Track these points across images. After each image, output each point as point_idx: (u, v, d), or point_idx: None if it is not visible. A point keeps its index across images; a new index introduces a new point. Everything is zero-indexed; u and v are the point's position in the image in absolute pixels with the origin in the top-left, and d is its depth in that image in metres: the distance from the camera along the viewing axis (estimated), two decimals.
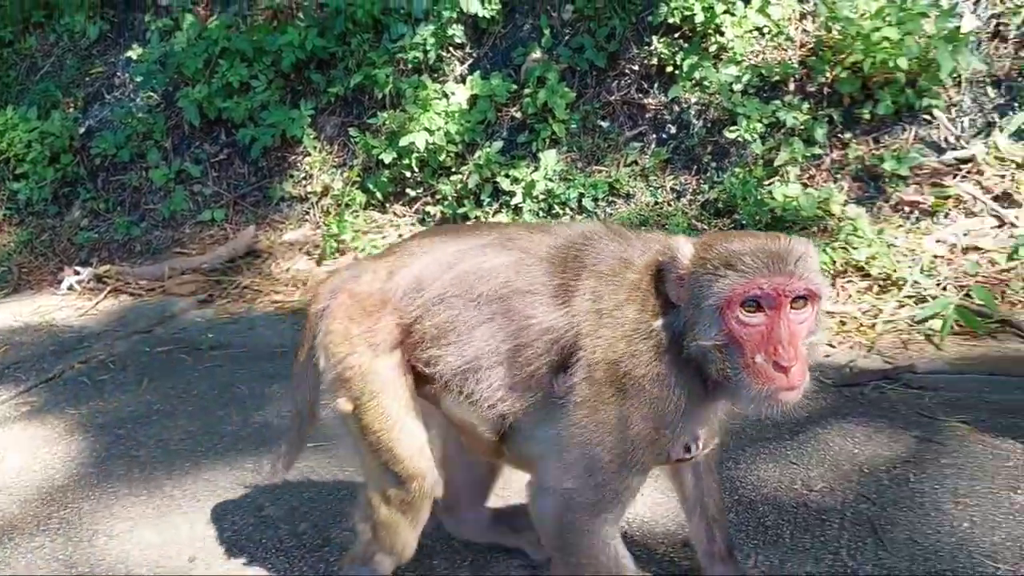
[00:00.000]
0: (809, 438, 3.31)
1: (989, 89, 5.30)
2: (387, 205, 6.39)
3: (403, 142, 5.99)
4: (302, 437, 2.68)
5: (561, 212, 5.74)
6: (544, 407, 2.25)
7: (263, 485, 3.38)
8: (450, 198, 6.06)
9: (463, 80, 6.33)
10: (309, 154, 6.68)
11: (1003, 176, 4.99)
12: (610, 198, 5.71)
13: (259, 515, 3.21)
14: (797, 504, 2.91)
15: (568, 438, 2.17)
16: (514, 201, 5.82)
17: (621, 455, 2.11)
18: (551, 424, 2.23)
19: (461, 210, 5.97)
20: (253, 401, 4.19)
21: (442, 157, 6.07)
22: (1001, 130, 5.14)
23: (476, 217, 5.91)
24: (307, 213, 6.60)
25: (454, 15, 6.33)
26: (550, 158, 5.83)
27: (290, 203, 6.72)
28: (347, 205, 6.33)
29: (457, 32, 6.41)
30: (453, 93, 6.20)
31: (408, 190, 6.32)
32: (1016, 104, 5.19)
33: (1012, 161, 5.03)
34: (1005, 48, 5.35)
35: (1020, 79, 5.21)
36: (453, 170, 6.16)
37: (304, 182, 6.71)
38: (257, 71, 6.82)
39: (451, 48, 6.54)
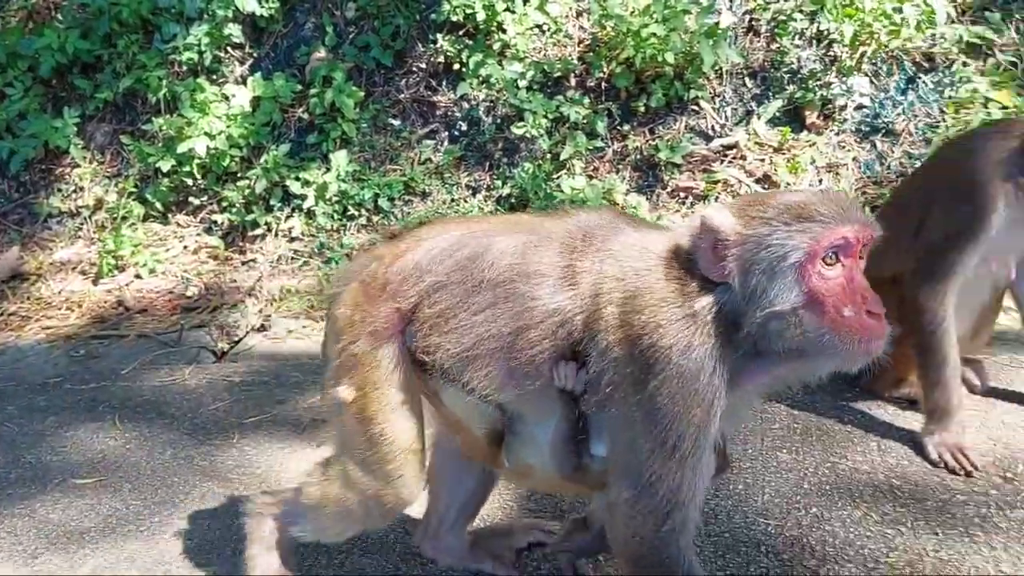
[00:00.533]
0: None
1: (747, 80, 5.73)
2: (169, 216, 6.03)
3: (182, 148, 5.66)
4: None
5: (357, 213, 5.65)
6: (542, 400, 2.16)
7: (36, 531, 3.10)
8: (237, 204, 5.80)
9: (244, 81, 6.07)
10: (78, 165, 6.18)
11: (763, 160, 5.42)
12: (406, 197, 5.69)
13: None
14: None
15: (616, 441, 2.08)
16: (306, 204, 5.66)
17: (663, 445, 1.94)
18: (548, 425, 2.19)
19: (250, 216, 5.73)
20: (24, 439, 3.83)
21: (226, 162, 5.80)
22: (759, 117, 5.58)
23: (266, 224, 5.70)
24: (79, 229, 6.10)
25: (229, 14, 6.05)
26: (341, 159, 5.72)
27: (59, 219, 6.19)
28: (124, 218, 5.90)
29: (234, 32, 6.13)
30: (234, 95, 5.93)
31: (191, 199, 5.99)
32: (771, 93, 5.65)
33: (769, 146, 5.47)
34: (759, 42, 5.80)
35: (773, 70, 5.66)
36: (239, 175, 5.90)
37: (74, 196, 6.20)
38: (12, 78, 6.24)
39: (229, 49, 6.25)
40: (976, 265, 3.04)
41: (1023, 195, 2.95)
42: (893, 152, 5.36)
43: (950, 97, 5.37)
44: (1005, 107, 5.10)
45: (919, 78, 5.51)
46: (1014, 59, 5.33)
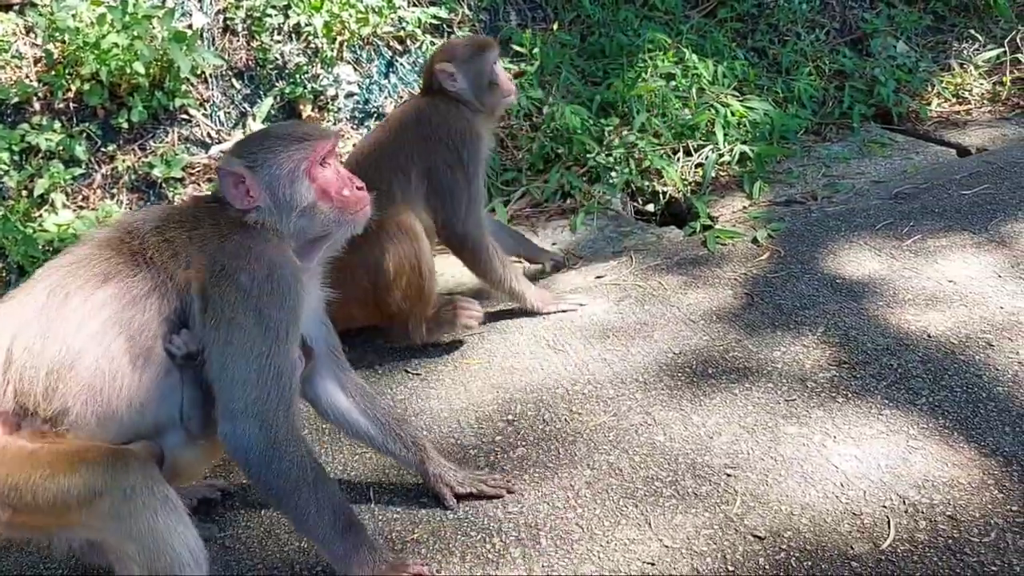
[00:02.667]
0: None
1: (235, 81, 5.55)
2: None
3: None
4: None
5: None
6: (169, 381, 2.33)
7: None
8: None
9: None
10: None
11: None
12: None
13: None
14: None
15: (227, 362, 2.28)
16: None
17: (274, 340, 2.30)
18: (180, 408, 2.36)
19: None
20: None
21: None
22: (254, 118, 5.44)
23: None
24: None
25: None
26: None
27: None
28: None
29: None
30: None
31: None
32: (262, 91, 5.54)
33: None
34: (238, 41, 5.64)
35: (259, 68, 5.56)
36: None
37: None
38: None
39: None
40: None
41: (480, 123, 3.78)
42: None
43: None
44: None
45: (396, 61, 5.79)
46: (471, 32, 5.84)
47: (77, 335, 2.23)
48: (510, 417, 3.23)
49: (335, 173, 2.50)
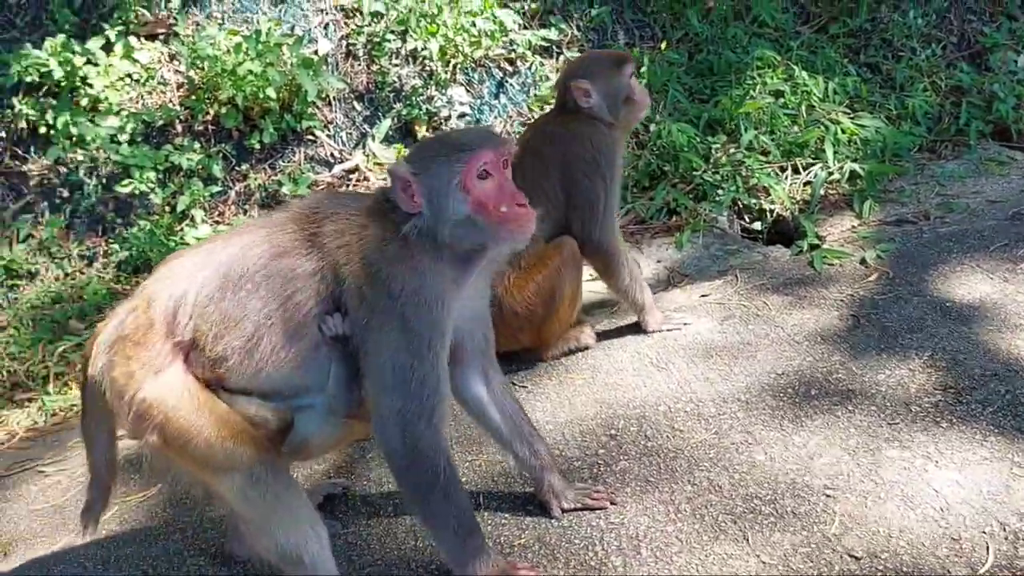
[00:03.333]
0: None
1: (356, 103, 5.89)
2: None
3: None
4: (106, 493, 2.73)
5: None
6: (319, 360, 2.49)
7: None
8: None
9: None
10: None
11: (384, 178, 5.60)
12: (9, 282, 5.13)
13: None
14: None
15: (376, 366, 2.43)
16: None
17: (418, 351, 2.41)
18: (327, 390, 2.52)
19: None
20: None
21: None
22: (373, 138, 5.76)
23: None
24: None
25: None
26: None
27: None
28: None
29: None
30: None
31: None
32: (380, 113, 5.86)
33: (388, 163, 5.68)
34: (359, 65, 5.98)
35: (378, 91, 5.87)
36: None
37: None
38: None
39: None
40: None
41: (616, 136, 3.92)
42: None
43: (534, 95, 5.93)
44: None
45: (506, 82, 6.01)
46: (580, 53, 6.00)
47: (249, 298, 2.42)
48: (613, 432, 3.37)
49: (497, 186, 2.44)
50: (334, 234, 2.47)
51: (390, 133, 5.80)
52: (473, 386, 2.87)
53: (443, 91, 5.86)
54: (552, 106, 4.19)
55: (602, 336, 4.08)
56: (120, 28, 5.65)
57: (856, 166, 5.18)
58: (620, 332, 4.11)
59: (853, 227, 4.88)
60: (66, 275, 5.16)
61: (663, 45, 6.15)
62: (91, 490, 2.72)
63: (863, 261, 4.39)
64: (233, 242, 2.53)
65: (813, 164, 5.27)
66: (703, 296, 4.33)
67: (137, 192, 5.27)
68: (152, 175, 5.28)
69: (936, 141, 5.74)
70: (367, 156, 5.71)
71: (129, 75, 5.60)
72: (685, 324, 4.04)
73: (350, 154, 5.75)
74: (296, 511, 2.48)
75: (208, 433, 2.39)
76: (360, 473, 3.37)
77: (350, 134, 5.83)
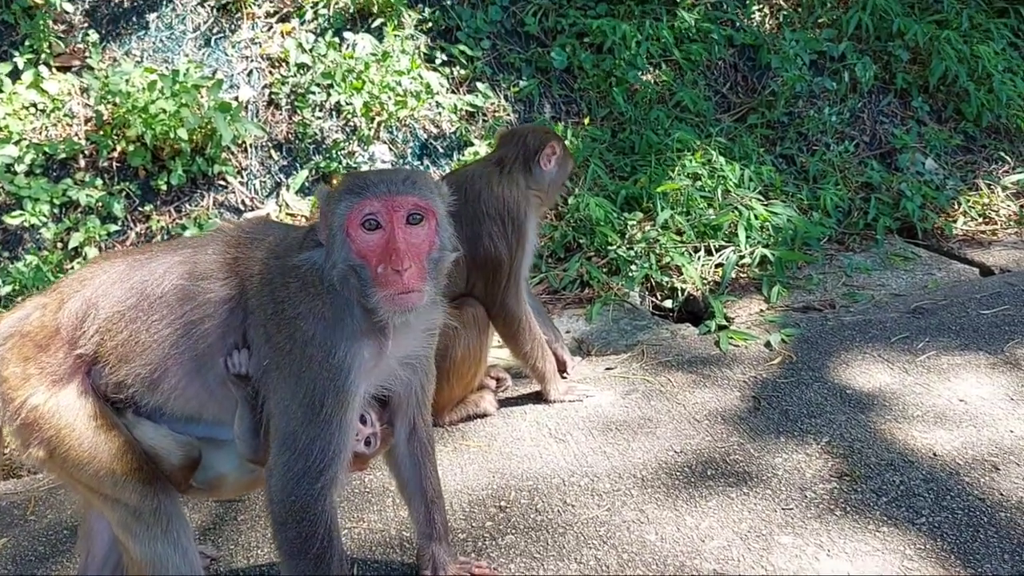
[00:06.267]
0: None
1: (273, 152, 5.75)
2: None
3: None
4: None
5: None
6: (226, 397, 2.32)
7: None
8: None
9: None
10: None
11: None
12: None
13: None
14: None
15: (271, 411, 2.26)
16: None
17: (311, 408, 2.19)
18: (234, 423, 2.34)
19: None
20: None
21: None
22: (288, 188, 5.62)
23: None
24: None
25: None
26: None
27: None
28: None
29: None
30: None
31: None
32: (298, 164, 5.73)
33: (301, 215, 5.53)
34: (280, 114, 5.86)
35: (297, 141, 5.76)
36: None
37: None
38: None
39: None
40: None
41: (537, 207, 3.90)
42: None
43: (458, 159, 5.89)
44: None
45: (431, 143, 5.97)
46: (507, 122, 6.01)
47: (160, 323, 2.28)
48: (503, 503, 3.21)
49: (383, 243, 2.16)
50: (252, 261, 2.32)
51: (306, 184, 5.66)
52: (395, 434, 2.70)
53: (365, 147, 5.77)
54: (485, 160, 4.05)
55: (504, 403, 3.95)
56: (30, 56, 5.44)
57: (767, 251, 5.25)
58: (523, 400, 3.99)
59: (761, 311, 4.90)
60: None
61: (587, 121, 6.21)
62: None
63: (768, 344, 4.39)
64: (158, 258, 2.39)
65: (725, 247, 5.32)
66: (608, 369, 4.25)
67: (27, 224, 4.99)
68: (46, 208, 5.01)
69: (845, 233, 5.88)
70: (279, 206, 5.55)
71: (35, 104, 5.37)
72: (587, 396, 3.95)
73: (262, 202, 5.58)
74: (174, 556, 2.36)
75: (100, 462, 2.28)
76: (228, 537, 3.13)
77: (264, 182, 5.67)
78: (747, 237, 5.31)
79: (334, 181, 2.41)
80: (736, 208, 5.48)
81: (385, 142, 5.89)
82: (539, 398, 3.95)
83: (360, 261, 2.17)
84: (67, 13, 5.78)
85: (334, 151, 5.71)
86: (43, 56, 5.52)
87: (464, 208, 3.66)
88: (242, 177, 5.63)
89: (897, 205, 6.02)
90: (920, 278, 5.28)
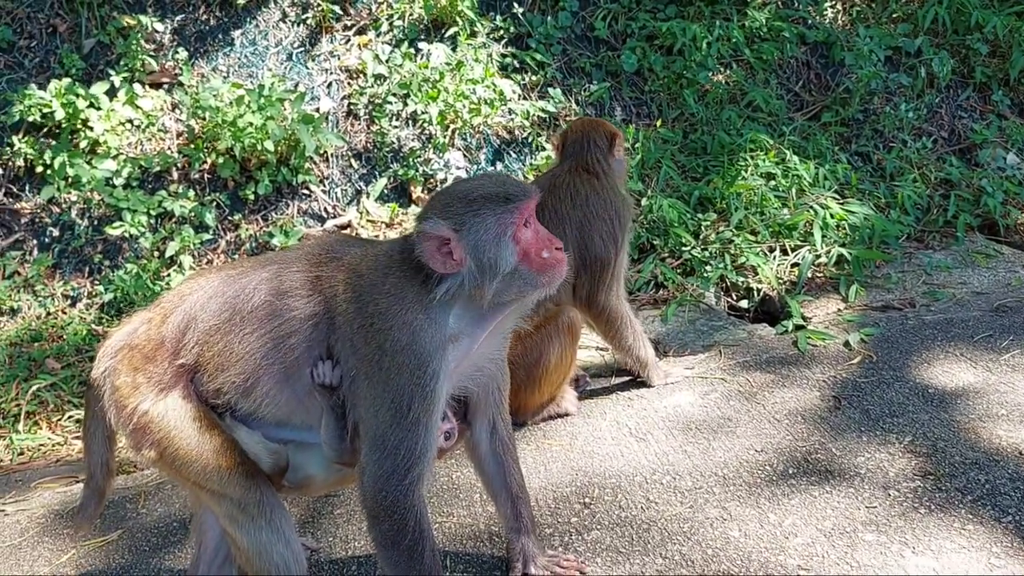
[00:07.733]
0: None
1: (353, 161, 5.95)
2: None
3: None
4: (100, 494, 2.72)
5: None
6: (312, 403, 2.49)
7: None
8: None
9: None
10: None
11: (376, 235, 5.63)
12: None
13: None
14: None
15: (361, 417, 2.42)
16: None
17: (399, 411, 2.35)
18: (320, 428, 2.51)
19: None
20: None
21: None
22: (368, 196, 5.81)
23: None
24: None
25: None
26: None
27: None
28: None
29: None
30: None
31: None
32: (377, 172, 5.91)
33: (381, 221, 5.71)
34: (359, 124, 6.06)
35: (376, 150, 5.94)
36: None
37: None
38: None
39: None
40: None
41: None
42: None
43: (530, 164, 6.00)
44: None
45: (504, 149, 6.09)
46: None
47: (251, 335, 2.46)
48: (587, 500, 3.30)
49: (535, 233, 2.42)
50: (335, 279, 2.48)
51: (385, 192, 5.85)
52: (476, 433, 2.84)
53: (440, 155, 5.92)
54: (559, 164, 4.09)
55: (584, 403, 4.04)
56: (125, 75, 5.74)
57: (844, 250, 5.22)
58: (602, 400, 4.07)
59: (838, 310, 4.88)
60: (48, 314, 5.12)
61: (659, 123, 6.26)
62: (86, 490, 2.73)
63: (847, 344, 4.38)
64: (249, 275, 2.56)
65: (801, 246, 5.31)
66: (687, 370, 4.30)
67: (127, 235, 5.28)
68: (144, 219, 5.29)
69: (924, 231, 5.80)
70: (360, 212, 5.74)
71: (130, 120, 5.67)
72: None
73: (344, 210, 5.78)
74: (278, 544, 2.51)
75: (206, 460, 2.47)
76: (327, 530, 3.29)
77: (345, 190, 5.87)
78: (823, 236, 5.29)
79: (428, 214, 2.44)
80: (811, 207, 5.46)
81: (460, 149, 6.03)
82: (618, 398, 4.04)
83: (522, 259, 2.38)
84: (157, 32, 6.08)
85: (411, 159, 5.88)
86: (137, 74, 5.82)
87: (571, 212, 3.81)
88: (324, 186, 5.84)
89: (978, 201, 5.91)
90: (1003, 276, 5.19)
